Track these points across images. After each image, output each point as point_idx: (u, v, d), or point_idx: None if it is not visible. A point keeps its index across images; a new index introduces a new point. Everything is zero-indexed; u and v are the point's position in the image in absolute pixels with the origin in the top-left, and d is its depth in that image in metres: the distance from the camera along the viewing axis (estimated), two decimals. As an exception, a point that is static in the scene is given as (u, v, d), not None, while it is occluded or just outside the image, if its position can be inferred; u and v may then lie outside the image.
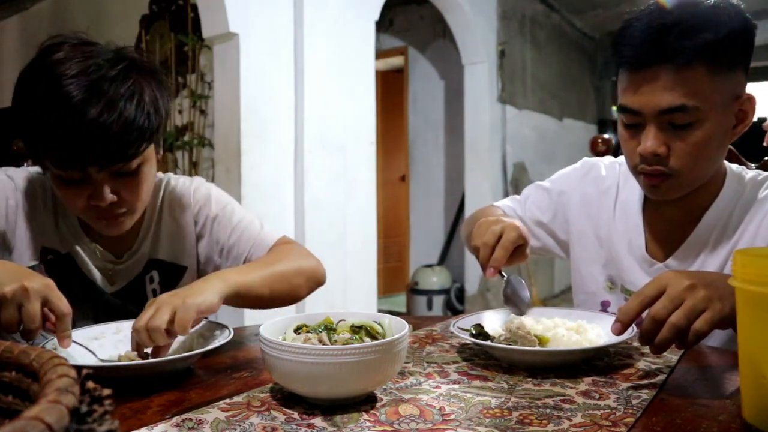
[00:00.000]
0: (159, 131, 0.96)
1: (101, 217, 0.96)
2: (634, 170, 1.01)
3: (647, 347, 0.91)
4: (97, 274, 1.07)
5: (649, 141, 0.93)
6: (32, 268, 1.00)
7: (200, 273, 1.17)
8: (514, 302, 0.98)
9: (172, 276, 1.14)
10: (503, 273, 0.98)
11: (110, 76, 0.89)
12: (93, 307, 1.06)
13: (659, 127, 0.94)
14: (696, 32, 0.89)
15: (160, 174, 1.15)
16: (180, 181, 1.17)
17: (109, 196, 0.93)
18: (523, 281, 1.00)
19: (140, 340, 0.82)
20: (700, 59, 0.89)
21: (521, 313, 0.97)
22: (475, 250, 0.98)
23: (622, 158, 1.21)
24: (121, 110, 0.88)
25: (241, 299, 0.96)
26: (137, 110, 0.90)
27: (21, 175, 1.05)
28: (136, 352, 0.87)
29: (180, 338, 0.93)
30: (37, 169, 1.07)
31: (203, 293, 0.87)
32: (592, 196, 1.20)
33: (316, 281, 1.14)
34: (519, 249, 0.95)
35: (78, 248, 1.05)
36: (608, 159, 1.25)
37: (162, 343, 0.83)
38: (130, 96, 0.90)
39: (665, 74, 0.90)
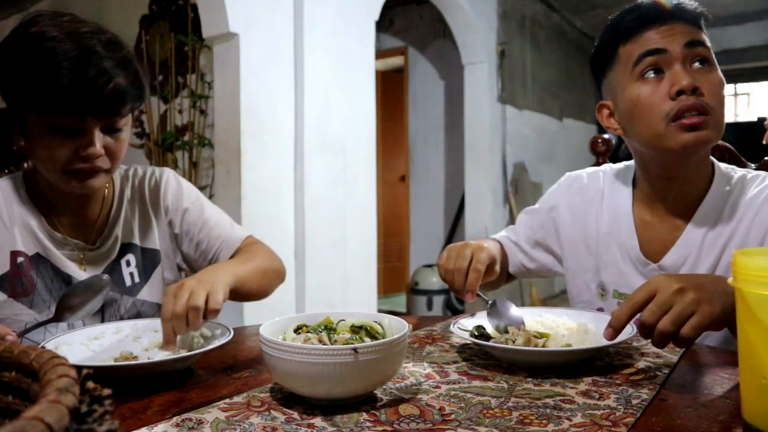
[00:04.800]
0: (145, 99, 1.04)
1: (81, 170, 0.99)
2: (666, 120, 0.97)
3: (647, 347, 0.91)
4: (71, 265, 1.08)
5: (685, 76, 0.97)
6: (2, 276, 1.02)
7: (170, 261, 1.21)
8: (504, 328, 0.94)
9: (149, 261, 1.16)
10: (482, 295, 1.00)
11: (112, 39, 0.99)
12: None
13: (684, 63, 0.99)
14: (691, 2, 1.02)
15: (124, 166, 1.19)
16: (149, 171, 1.20)
17: (100, 148, 0.98)
18: (509, 303, 0.98)
19: (177, 326, 0.84)
20: (700, 19, 1.02)
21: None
22: (448, 275, 1.02)
23: (605, 166, 1.24)
24: (127, 69, 0.97)
25: (235, 293, 1.00)
26: (136, 73, 0.99)
27: None
28: (131, 352, 0.87)
29: (180, 338, 0.93)
30: None
31: (221, 279, 0.92)
32: (578, 207, 1.21)
33: (281, 279, 1.21)
34: (488, 267, 1.03)
35: (48, 244, 1.06)
36: (591, 169, 1.27)
37: (197, 328, 0.86)
38: (130, 61, 0.99)
39: (681, 26, 1.00)
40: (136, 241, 1.15)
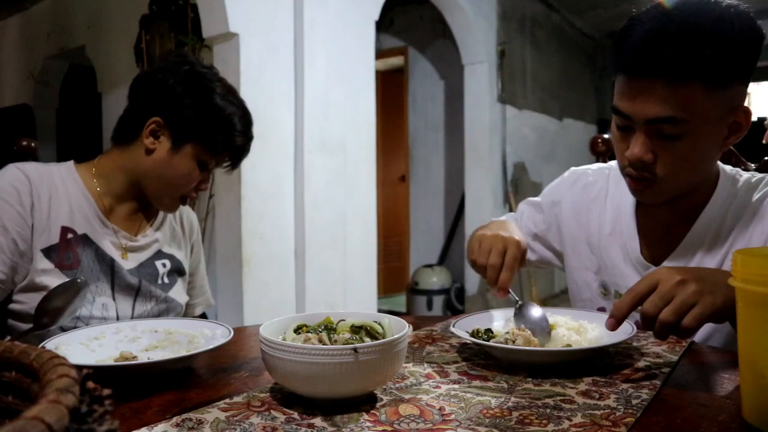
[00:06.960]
0: None
1: (189, 197, 1.22)
2: (622, 171, 1.01)
3: (647, 347, 0.91)
4: (114, 252, 1.18)
5: (637, 148, 0.93)
6: (51, 247, 1.11)
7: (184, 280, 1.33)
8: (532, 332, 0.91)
9: (177, 272, 1.28)
10: (512, 294, 0.99)
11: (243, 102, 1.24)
12: (110, 281, 1.16)
13: (648, 134, 0.93)
14: (694, 47, 0.85)
15: None
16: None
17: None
18: (537, 306, 0.96)
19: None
20: (696, 75, 0.86)
21: (542, 344, 0.89)
22: (479, 269, 1.02)
23: (611, 163, 1.21)
24: None
25: None
26: None
27: (31, 167, 1.16)
28: (131, 352, 0.87)
29: (180, 338, 0.93)
30: (45, 165, 1.21)
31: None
32: (582, 204, 1.20)
33: None
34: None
35: (96, 227, 1.17)
36: (596, 165, 1.25)
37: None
38: None
39: (659, 86, 0.88)
40: (171, 251, 1.28)
